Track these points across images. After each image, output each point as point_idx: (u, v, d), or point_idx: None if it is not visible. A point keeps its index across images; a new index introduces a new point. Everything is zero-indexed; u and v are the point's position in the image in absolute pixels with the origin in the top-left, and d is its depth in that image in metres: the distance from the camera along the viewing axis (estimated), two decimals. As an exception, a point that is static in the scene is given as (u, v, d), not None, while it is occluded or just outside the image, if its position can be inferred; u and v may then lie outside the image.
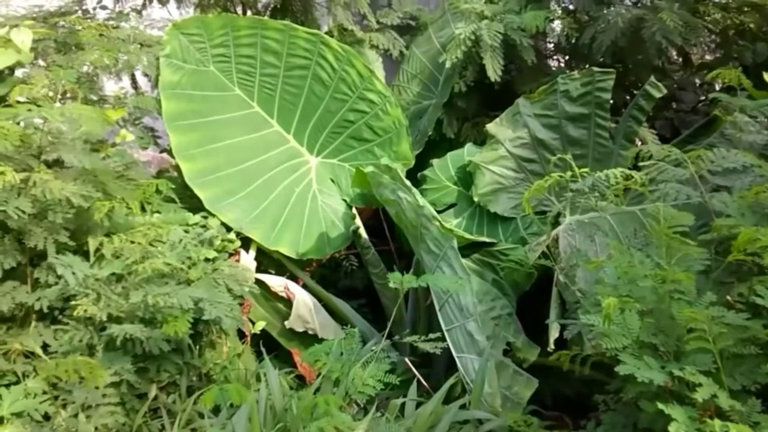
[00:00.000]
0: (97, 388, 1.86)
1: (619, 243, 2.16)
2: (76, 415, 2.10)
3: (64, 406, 2.14)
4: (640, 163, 2.55)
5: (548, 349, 2.60)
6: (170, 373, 2.40)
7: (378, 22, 3.94)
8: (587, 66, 3.44)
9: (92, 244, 2.42)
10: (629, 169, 2.49)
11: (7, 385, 2.19)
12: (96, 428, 2.08)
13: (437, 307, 2.79)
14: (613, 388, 1.99)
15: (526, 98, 3.24)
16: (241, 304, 2.79)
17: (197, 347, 2.55)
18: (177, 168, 3.26)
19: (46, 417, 2.12)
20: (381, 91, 3.46)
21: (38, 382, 2.20)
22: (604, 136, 3.18)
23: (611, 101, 3.18)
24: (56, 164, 2.39)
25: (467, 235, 3.04)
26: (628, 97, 3.61)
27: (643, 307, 1.81)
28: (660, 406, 1.61)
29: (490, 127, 3.25)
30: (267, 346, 2.76)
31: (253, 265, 3.13)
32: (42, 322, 2.33)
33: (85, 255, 2.40)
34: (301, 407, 2.07)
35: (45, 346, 2.28)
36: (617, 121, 3.24)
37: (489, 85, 3.51)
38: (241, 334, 2.85)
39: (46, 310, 2.28)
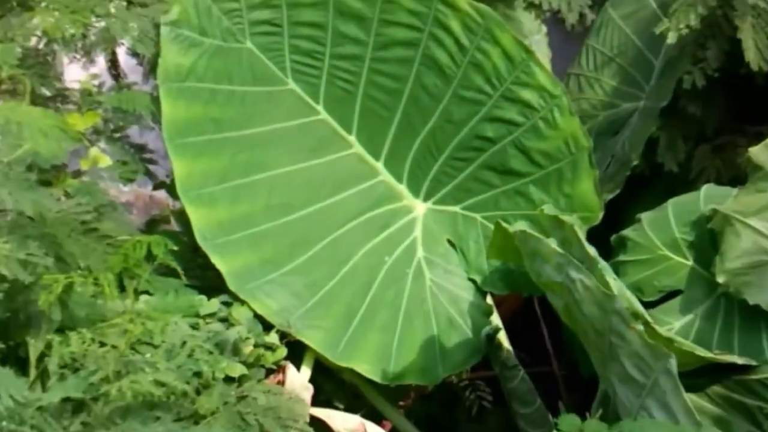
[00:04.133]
0: None
1: None
2: None
3: None
4: None
5: None
6: None
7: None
8: None
9: (33, 347, 2.51)
10: None
11: None
12: None
13: (644, 483, 2.73)
14: None
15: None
16: (287, 463, 2.82)
17: None
18: (180, 216, 3.36)
19: None
20: (545, 86, 3.47)
21: None
22: None
23: None
24: (-19, 207, 2.52)
25: (701, 351, 2.97)
26: None
27: None
28: None
29: (756, 151, 3.20)
30: None
31: (309, 391, 3.17)
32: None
33: (21, 365, 2.49)
34: None
35: None
36: None
37: (747, 80, 3.48)
38: None
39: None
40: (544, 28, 3.98)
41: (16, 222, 2.51)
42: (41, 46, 3.18)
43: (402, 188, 3.57)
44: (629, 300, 2.83)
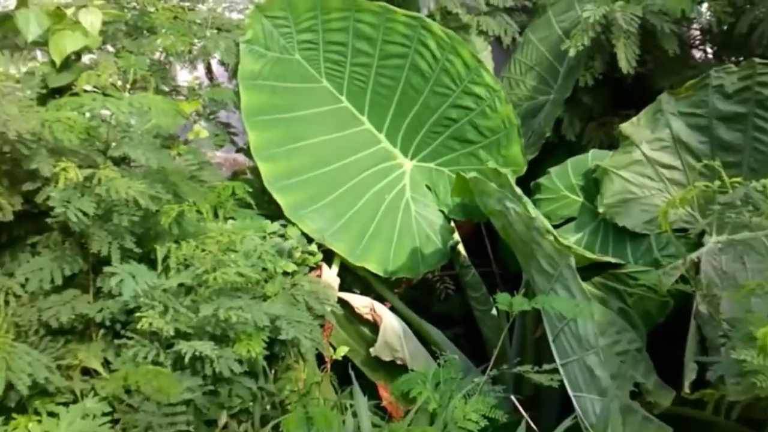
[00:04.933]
0: (165, 411, 1.92)
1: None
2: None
3: (125, 430, 2.24)
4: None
5: (683, 394, 2.52)
6: (242, 399, 2.46)
7: (488, 4, 3.98)
8: (740, 59, 3.33)
9: (160, 251, 2.53)
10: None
11: (65, 404, 2.31)
12: (160, 457, 2.16)
13: (550, 338, 2.75)
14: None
15: (670, 94, 3.17)
16: (321, 326, 2.84)
17: (272, 371, 2.61)
18: (253, 170, 3.37)
19: (105, 441, 2.22)
20: (490, 84, 3.46)
21: (98, 402, 2.32)
22: (763, 140, 3.07)
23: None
24: (123, 161, 2.51)
25: (588, 254, 2.99)
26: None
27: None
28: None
29: (625, 126, 3.20)
30: (348, 376, 2.80)
31: (336, 282, 3.19)
32: (103, 337, 2.45)
33: (152, 263, 2.50)
34: (395, 440, 2.09)
35: (106, 363, 2.40)
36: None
37: (619, 80, 3.48)
38: (320, 361, 2.90)
39: (108, 323, 2.39)
40: (489, 47, 3.95)
41: (147, 172, 2.52)
42: (162, 58, 3.16)
43: (396, 151, 3.56)
44: (543, 221, 2.85)
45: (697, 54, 3.92)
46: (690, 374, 2.59)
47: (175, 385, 1.93)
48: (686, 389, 2.55)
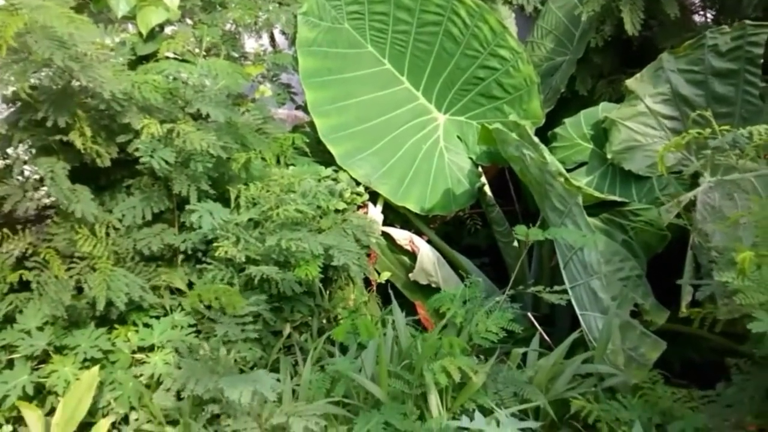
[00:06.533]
0: (234, 313, 1.98)
1: (759, 199, 2.01)
2: (218, 348, 2.25)
3: (207, 339, 2.31)
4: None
5: (680, 313, 2.50)
6: (302, 314, 2.52)
7: (512, -23, 3.86)
8: (734, 22, 3.20)
9: (232, 192, 2.57)
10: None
11: (157, 317, 2.39)
12: (235, 360, 2.22)
13: (561, 265, 2.74)
14: (747, 349, 1.89)
15: (670, 53, 3.06)
16: (368, 255, 2.87)
17: (327, 292, 2.65)
18: (311, 124, 3.36)
19: (191, 347, 2.30)
20: (513, 47, 3.38)
21: (184, 316, 2.39)
22: (753, 93, 2.96)
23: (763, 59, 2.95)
24: (201, 117, 2.54)
25: (595, 193, 2.95)
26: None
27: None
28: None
29: (630, 82, 3.11)
30: (389, 296, 2.83)
31: (380, 218, 3.20)
32: (187, 262, 2.51)
33: (226, 202, 2.54)
34: (426, 347, 2.11)
35: (190, 284, 2.46)
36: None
37: (627, 41, 3.37)
38: (367, 284, 2.93)
39: (190, 251, 2.45)
40: (513, 14, 3.85)
41: (219, 125, 2.54)
42: (232, 29, 3.15)
43: (431, 107, 3.50)
44: (557, 165, 2.81)
45: (698, 19, 3.76)
46: (686, 296, 2.56)
47: (240, 299, 1.97)
48: (683, 309, 2.52)
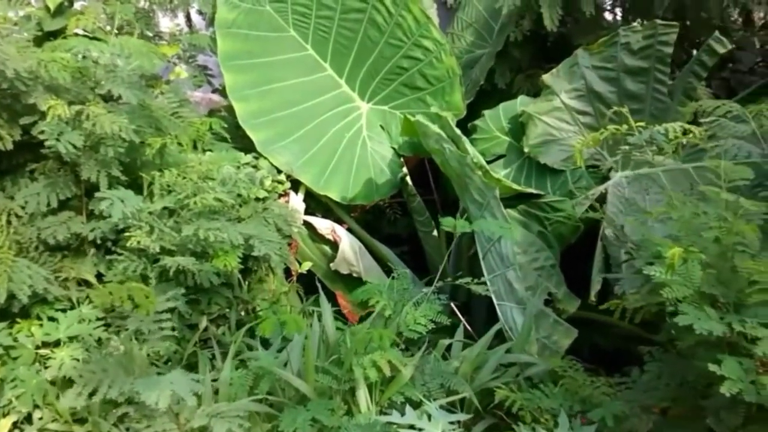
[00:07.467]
0: (148, 314, 1.86)
1: (680, 195, 2.06)
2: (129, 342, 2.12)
3: (117, 333, 2.17)
4: (701, 120, 2.42)
5: (589, 302, 2.54)
6: (220, 306, 2.41)
7: (434, -33, 3.80)
8: (645, 21, 3.28)
9: (145, 178, 2.41)
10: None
11: (63, 310, 2.23)
12: (148, 354, 2.09)
13: (481, 256, 2.74)
14: (663, 339, 1.93)
15: (585, 49, 3.10)
16: (289, 244, 2.78)
17: (246, 283, 2.55)
18: (228, 109, 3.23)
19: (99, 342, 2.15)
20: (437, 38, 3.34)
21: (92, 309, 2.24)
22: (662, 91, 3.05)
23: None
24: (112, 99, 2.37)
25: (513, 185, 2.96)
26: (685, 56, 3.45)
27: (705, 258, 1.74)
28: (712, 367, 1.55)
29: (546, 77, 3.13)
30: (311, 287, 2.75)
31: (302, 207, 3.12)
32: (96, 253, 2.35)
33: (139, 189, 2.39)
34: (356, 341, 2.05)
35: (99, 276, 2.31)
36: (675, 78, 3.10)
37: (544, 37, 3.40)
38: (287, 274, 2.84)
39: (99, 241, 2.29)
40: (435, 5, 3.81)
41: (131, 108, 2.38)
42: (146, 6, 2.98)
43: (355, 95, 3.43)
44: (477, 157, 2.80)
45: (609, 16, 3.85)
46: (596, 285, 2.62)
47: (154, 300, 1.85)
48: (593, 297, 2.57)
